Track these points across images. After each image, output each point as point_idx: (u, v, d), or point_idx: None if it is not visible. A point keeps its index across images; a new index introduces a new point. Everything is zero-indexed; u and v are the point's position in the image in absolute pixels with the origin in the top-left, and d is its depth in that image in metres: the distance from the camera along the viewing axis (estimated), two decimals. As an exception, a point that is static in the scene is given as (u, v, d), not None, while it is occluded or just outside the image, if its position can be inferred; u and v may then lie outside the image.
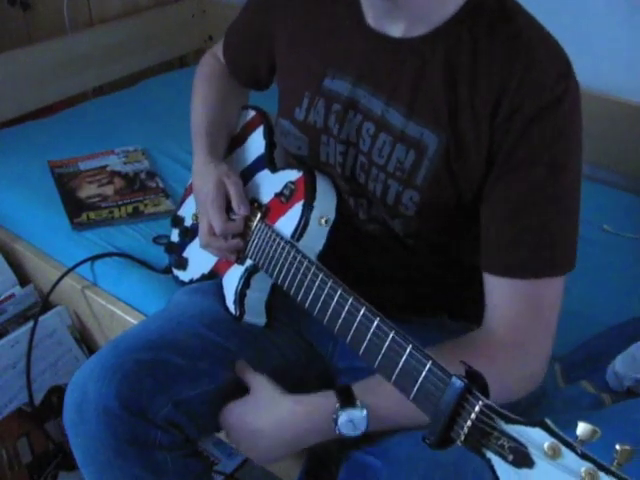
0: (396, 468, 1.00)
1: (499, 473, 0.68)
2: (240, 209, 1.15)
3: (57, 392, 1.67)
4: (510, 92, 0.93)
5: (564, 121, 0.95)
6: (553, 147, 0.94)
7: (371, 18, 1.03)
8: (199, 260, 1.31)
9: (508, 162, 0.95)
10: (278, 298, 1.18)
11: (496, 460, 0.69)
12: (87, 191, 1.87)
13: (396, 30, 1.00)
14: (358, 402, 0.99)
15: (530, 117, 0.93)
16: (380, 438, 1.04)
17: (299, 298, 1.03)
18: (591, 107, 1.96)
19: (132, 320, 1.56)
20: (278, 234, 1.09)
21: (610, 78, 2.03)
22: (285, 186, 1.13)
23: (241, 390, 1.16)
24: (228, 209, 1.17)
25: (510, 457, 0.67)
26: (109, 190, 1.89)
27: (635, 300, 1.50)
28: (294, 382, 1.24)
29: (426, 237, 1.10)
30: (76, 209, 1.80)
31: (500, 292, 0.99)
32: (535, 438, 0.66)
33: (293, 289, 1.04)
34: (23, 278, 1.80)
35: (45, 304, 1.68)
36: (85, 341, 1.76)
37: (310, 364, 1.26)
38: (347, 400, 0.99)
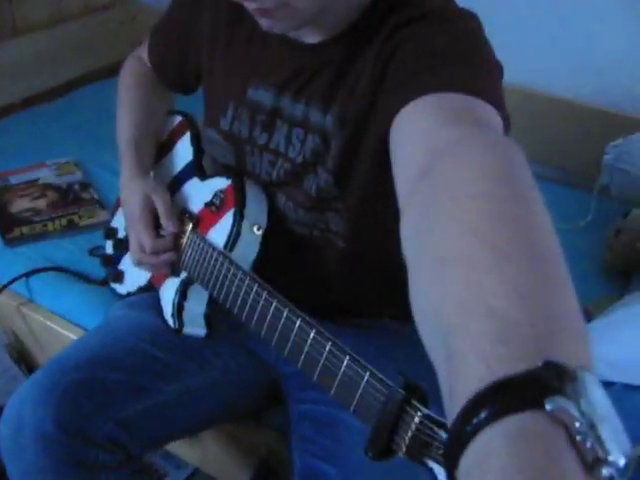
0: (351, 475, 1.00)
1: (442, 483, 0.68)
2: (169, 226, 1.13)
3: (-4, 414, 1.62)
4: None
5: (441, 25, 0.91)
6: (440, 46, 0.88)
7: None
8: (135, 272, 1.28)
9: (401, 87, 0.87)
10: (217, 308, 1.16)
11: (438, 469, 0.69)
12: (19, 205, 1.84)
13: (311, 38, 1.00)
14: None
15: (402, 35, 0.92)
16: (332, 445, 1.04)
17: (235, 311, 1.02)
18: (526, 103, 2.03)
19: (71, 335, 1.53)
20: (210, 245, 1.08)
21: (545, 74, 2.07)
22: (215, 195, 1.12)
23: (185, 402, 1.15)
24: (157, 224, 1.15)
25: (451, 466, 0.67)
26: (42, 204, 1.85)
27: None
28: (239, 391, 1.24)
29: (354, 234, 1.09)
30: (8, 224, 1.76)
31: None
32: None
33: (229, 302, 1.03)
34: (-44, 298, 1.75)
35: (-20, 324, 1.64)
36: (24, 359, 1.72)
37: (254, 372, 1.25)
38: None
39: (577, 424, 0.37)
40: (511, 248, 0.49)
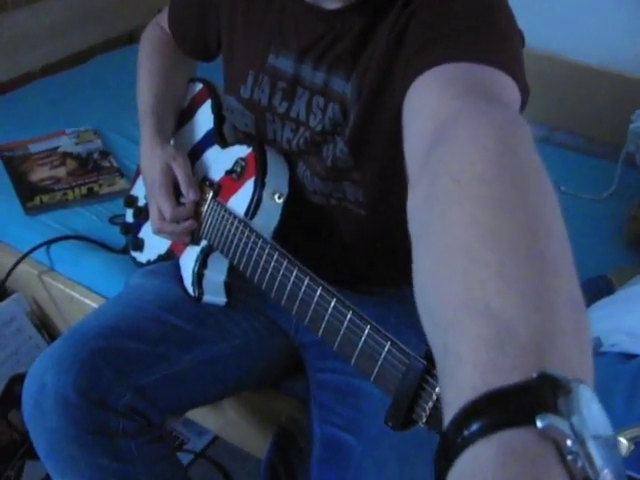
0: (371, 444, 1.01)
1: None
2: (189, 194, 1.13)
3: (19, 381, 1.64)
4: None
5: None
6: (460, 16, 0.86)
7: None
8: (155, 240, 1.28)
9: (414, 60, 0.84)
10: (237, 277, 1.16)
11: None
12: (39, 174, 1.83)
13: (331, 3, 0.98)
14: None
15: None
16: (352, 414, 1.05)
17: (255, 279, 1.01)
18: (551, 70, 2.00)
19: (92, 303, 1.54)
20: (231, 213, 1.07)
21: (570, 41, 2.03)
22: (235, 163, 1.11)
23: (204, 371, 1.15)
24: (177, 192, 1.14)
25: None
26: (61, 172, 1.85)
27: (595, 259, 1.51)
28: (259, 359, 1.24)
29: (372, 203, 1.08)
30: (28, 193, 1.76)
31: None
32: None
33: (249, 270, 1.03)
34: (-23, 267, 1.76)
35: (1, 292, 1.65)
36: (45, 327, 1.73)
37: (273, 340, 1.26)
38: None
39: (568, 442, 0.36)
40: (511, 240, 0.48)
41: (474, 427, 0.37)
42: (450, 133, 0.61)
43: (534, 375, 0.38)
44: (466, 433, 0.38)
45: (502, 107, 0.69)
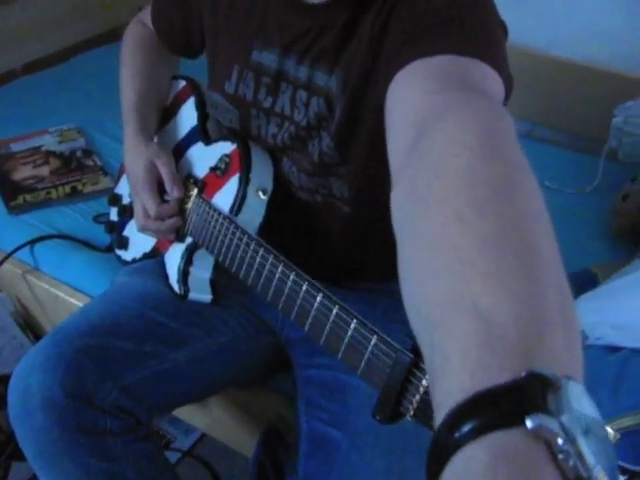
0: (358, 439, 1.01)
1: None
2: (173, 191, 1.13)
3: (4, 381, 1.62)
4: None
5: None
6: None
7: None
8: (140, 239, 1.27)
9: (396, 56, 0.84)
10: (223, 273, 1.15)
11: None
12: (22, 173, 1.82)
13: None
14: None
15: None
16: (339, 409, 1.04)
17: (241, 275, 1.01)
18: (534, 65, 2.00)
19: (77, 303, 1.53)
20: (216, 210, 1.07)
21: (553, 37, 2.04)
22: (220, 159, 1.11)
23: (191, 369, 1.15)
24: (162, 190, 1.14)
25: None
26: (45, 171, 1.84)
27: (578, 253, 1.52)
28: (246, 357, 1.24)
29: (357, 199, 1.08)
30: (11, 192, 1.75)
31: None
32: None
33: (234, 266, 1.03)
34: (-40, 267, 1.75)
35: (-15, 292, 1.64)
36: (30, 327, 1.72)
37: (260, 337, 1.25)
38: None
39: (559, 441, 0.35)
40: (497, 237, 0.47)
41: (464, 429, 0.37)
42: (433, 127, 0.61)
43: (523, 374, 0.38)
44: (457, 435, 0.37)
45: (485, 100, 0.69)
